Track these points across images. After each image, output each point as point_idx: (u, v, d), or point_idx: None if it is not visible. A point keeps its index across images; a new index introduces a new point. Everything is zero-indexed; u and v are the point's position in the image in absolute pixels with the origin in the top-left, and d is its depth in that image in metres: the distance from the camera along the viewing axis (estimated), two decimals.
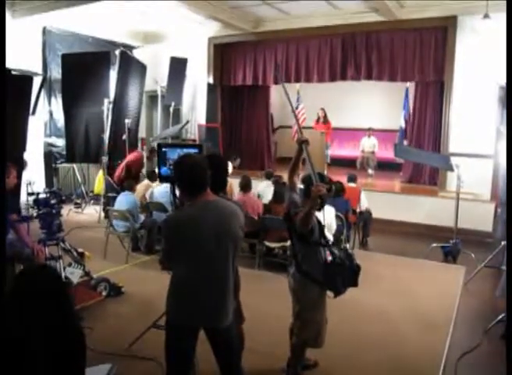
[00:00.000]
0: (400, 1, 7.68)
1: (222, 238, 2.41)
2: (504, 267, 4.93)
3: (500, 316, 3.61)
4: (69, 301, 1.98)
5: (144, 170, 8.62)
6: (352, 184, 6.98)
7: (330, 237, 4.40)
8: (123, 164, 8.21)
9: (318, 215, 2.87)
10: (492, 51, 7.17)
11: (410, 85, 9.62)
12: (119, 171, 8.19)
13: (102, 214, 7.94)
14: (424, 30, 8.22)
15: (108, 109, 8.59)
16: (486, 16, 7.19)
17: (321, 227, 2.94)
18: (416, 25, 8.13)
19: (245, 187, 6.21)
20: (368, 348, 3.77)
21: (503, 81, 7.20)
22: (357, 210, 6.69)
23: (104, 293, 4.64)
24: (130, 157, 8.34)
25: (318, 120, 10.85)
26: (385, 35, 8.57)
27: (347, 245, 6.45)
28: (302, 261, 2.94)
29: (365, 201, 6.92)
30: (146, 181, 7.31)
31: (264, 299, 4.56)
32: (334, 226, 4.97)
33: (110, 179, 8.23)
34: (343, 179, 6.76)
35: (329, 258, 2.84)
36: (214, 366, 2.64)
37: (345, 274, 2.87)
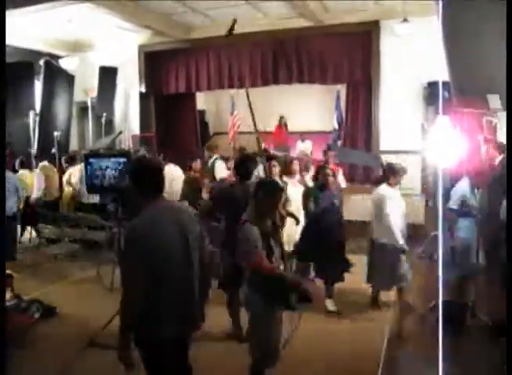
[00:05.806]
0: (324, 1, 7.83)
1: (188, 238, 2.34)
2: (436, 256, 5.16)
3: (432, 303, 3.75)
4: None
5: None
6: None
7: None
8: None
9: None
10: (414, 52, 7.51)
11: (342, 87, 9.88)
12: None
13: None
14: (351, 34, 8.50)
15: (34, 122, 8.18)
16: (405, 20, 7.57)
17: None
18: (342, 29, 8.40)
19: None
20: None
21: (426, 80, 7.62)
22: None
23: (36, 315, 4.37)
24: None
25: (280, 126, 10.91)
26: (314, 39, 8.78)
27: None
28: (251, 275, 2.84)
29: None
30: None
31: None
32: None
33: None
34: None
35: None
36: None
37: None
